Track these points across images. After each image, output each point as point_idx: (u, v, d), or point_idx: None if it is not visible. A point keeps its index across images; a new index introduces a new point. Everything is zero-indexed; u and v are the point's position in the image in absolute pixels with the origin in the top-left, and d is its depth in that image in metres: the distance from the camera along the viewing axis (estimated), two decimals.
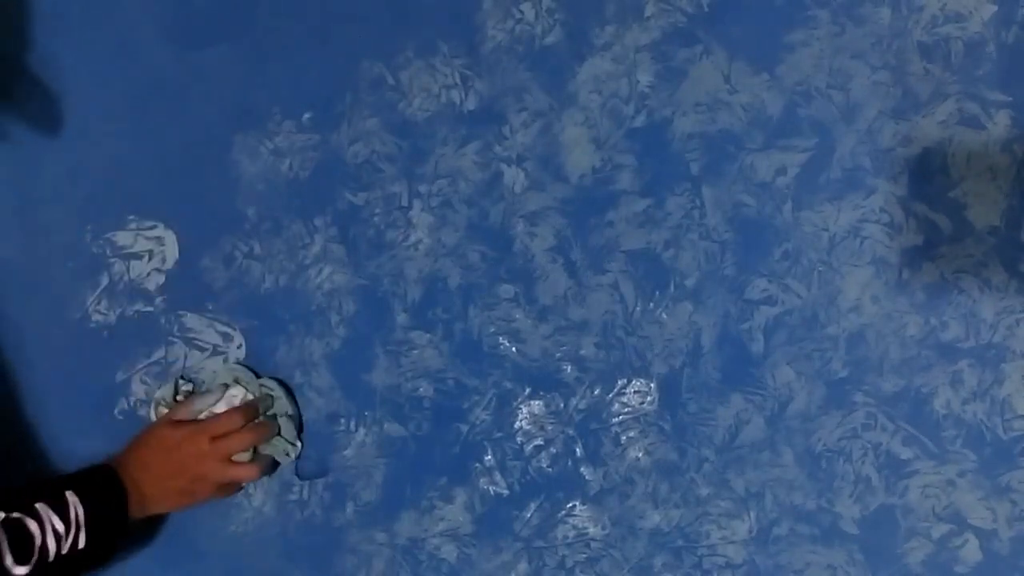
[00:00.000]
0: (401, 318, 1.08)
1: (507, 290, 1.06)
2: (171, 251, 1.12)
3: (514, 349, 1.06)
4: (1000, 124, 0.97)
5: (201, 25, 1.13)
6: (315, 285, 1.10)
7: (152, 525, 1.09)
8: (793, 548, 1.00)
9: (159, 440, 1.00)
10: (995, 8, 0.98)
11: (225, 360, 1.09)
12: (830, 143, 1.00)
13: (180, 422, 1.02)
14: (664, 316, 1.03)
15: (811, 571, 0.99)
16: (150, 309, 1.12)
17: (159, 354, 1.12)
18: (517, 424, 1.05)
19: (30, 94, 1.14)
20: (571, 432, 1.04)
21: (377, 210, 1.09)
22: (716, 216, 1.02)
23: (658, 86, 1.04)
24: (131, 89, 1.14)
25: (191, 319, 1.11)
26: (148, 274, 1.12)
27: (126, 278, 1.12)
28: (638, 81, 1.04)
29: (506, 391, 1.06)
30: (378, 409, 1.08)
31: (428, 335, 1.07)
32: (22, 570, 0.87)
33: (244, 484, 1.08)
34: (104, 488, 0.95)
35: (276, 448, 1.06)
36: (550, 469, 1.05)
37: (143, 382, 1.12)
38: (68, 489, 0.92)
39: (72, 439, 1.13)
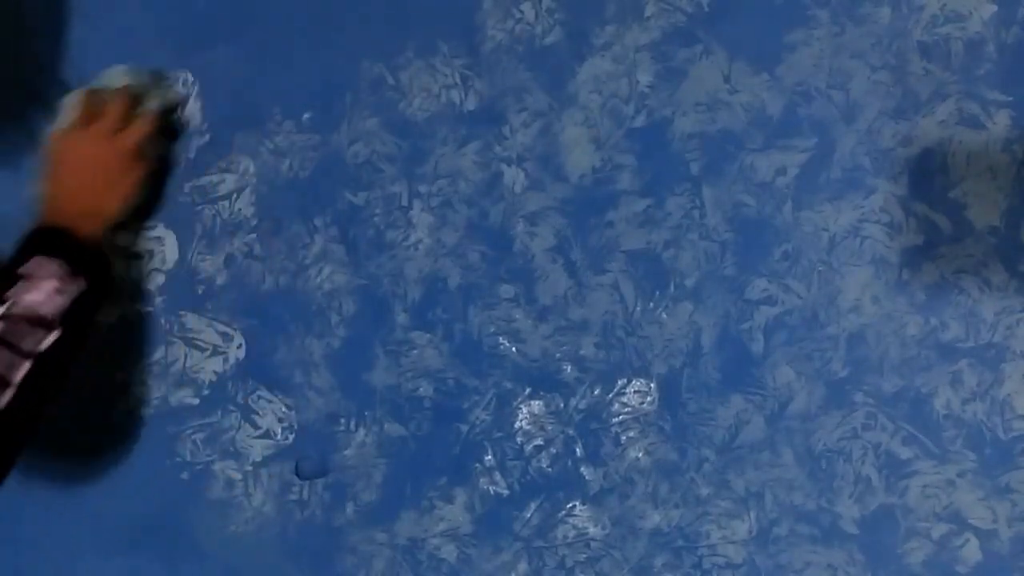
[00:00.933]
0: (401, 318, 1.08)
1: (507, 290, 1.06)
2: (171, 251, 1.12)
3: (514, 349, 1.06)
4: (1000, 124, 0.97)
5: (201, 25, 1.13)
6: (315, 285, 1.10)
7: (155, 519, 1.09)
8: (793, 548, 1.00)
9: (55, 164, 1.02)
10: (995, 8, 0.98)
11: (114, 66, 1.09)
12: (830, 143, 1.00)
13: (71, 134, 1.03)
14: (664, 316, 1.03)
15: (811, 571, 0.99)
16: (150, 309, 1.12)
17: (159, 354, 1.12)
18: (517, 424, 1.05)
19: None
20: (571, 432, 1.04)
21: (377, 210, 1.09)
22: (716, 216, 1.02)
23: (658, 86, 1.04)
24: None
25: (191, 319, 1.11)
26: (148, 274, 1.12)
27: (126, 278, 1.12)
28: (638, 81, 1.04)
29: (506, 391, 1.06)
30: (378, 409, 1.08)
31: (428, 335, 1.07)
32: (49, 338, 0.90)
33: (151, 144, 1.06)
34: (53, 238, 0.96)
35: (157, 99, 1.07)
36: (550, 469, 1.05)
37: (143, 382, 1.12)
38: (25, 258, 0.93)
39: (72, 438, 1.13)
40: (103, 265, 0.98)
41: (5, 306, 0.89)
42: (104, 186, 1.01)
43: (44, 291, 0.91)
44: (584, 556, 1.03)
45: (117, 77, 1.08)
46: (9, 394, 0.87)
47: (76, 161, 1.02)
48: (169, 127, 1.09)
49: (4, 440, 0.88)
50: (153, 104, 1.07)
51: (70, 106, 1.06)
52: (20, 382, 0.88)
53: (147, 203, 1.09)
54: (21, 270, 0.92)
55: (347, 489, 1.08)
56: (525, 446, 1.05)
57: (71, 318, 0.92)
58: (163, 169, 1.10)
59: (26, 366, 0.88)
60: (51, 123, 1.07)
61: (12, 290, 0.90)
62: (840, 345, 0.99)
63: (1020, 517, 0.96)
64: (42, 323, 0.90)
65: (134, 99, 1.06)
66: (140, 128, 1.04)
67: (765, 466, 1.01)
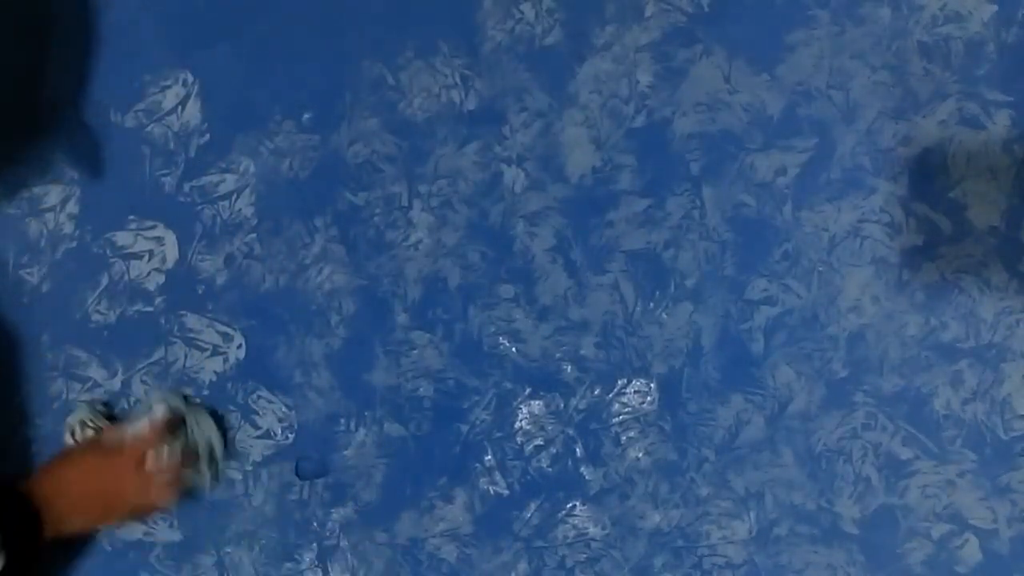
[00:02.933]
0: (401, 318, 1.08)
1: (507, 290, 1.06)
2: (171, 251, 1.12)
3: (514, 349, 1.06)
4: (1000, 124, 0.97)
5: (201, 25, 1.13)
6: (315, 285, 1.10)
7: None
8: (793, 548, 1.00)
9: (80, 463, 1.00)
10: (995, 8, 0.98)
11: (159, 388, 1.08)
12: (830, 143, 1.00)
13: (103, 446, 1.01)
14: (664, 316, 1.03)
15: (811, 571, 0.99)
16: (150, 309, 1.12)
17: (159, 354, 1.12)
18: (517, 424, 1.05)
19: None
20: (571, 432, 1.04)
21: (377, 210, 1.09)
22: (716, 216, 1.02)
23: (658, 86, 1.04)
24: (131, 88, 1.14)
25: (191, 319, 1.11)
26: (148, 274, 1.12)
27: (126, 278, 1.12)
28: (638, 81, 1.04)
29: (506, 391, 1.06)
30: (378, 409, 1.08)
31: (428, 335, 1.07)
32: None
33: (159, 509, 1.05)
34: (17, 514, 0.94)
35: (198, 475, 1.05)
36: (550, 469, 1.05)
37: (143, 382, 1.12)
38: None
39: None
40: (33, 558, 0.94)
41: None
42: (90, 509, 0.99)
43: None
44: (584, 556, 1.03)
45: (153, 400, 1.06)
46: None
47: (89, 474, 0.99)
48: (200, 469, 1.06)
49: None
50: (187, 474, 1.04)
51: (143, 413, 1.04)
52: None
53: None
54: None
55: (347, 489, 1.08)
56: (525, 446, 1.05)
57: None
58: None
59: None
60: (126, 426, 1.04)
61: None
62: (840, 345, 0.99)
63: (1020, 517, 0.96)
64: None
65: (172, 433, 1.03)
66: (168, 496, 1.01)
67: (765, 466, 1.01)
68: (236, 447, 1.08)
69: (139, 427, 1.02)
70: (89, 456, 1.01)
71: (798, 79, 1.01)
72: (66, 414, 1.12)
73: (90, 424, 1.06)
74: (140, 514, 1.05)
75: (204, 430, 1.06)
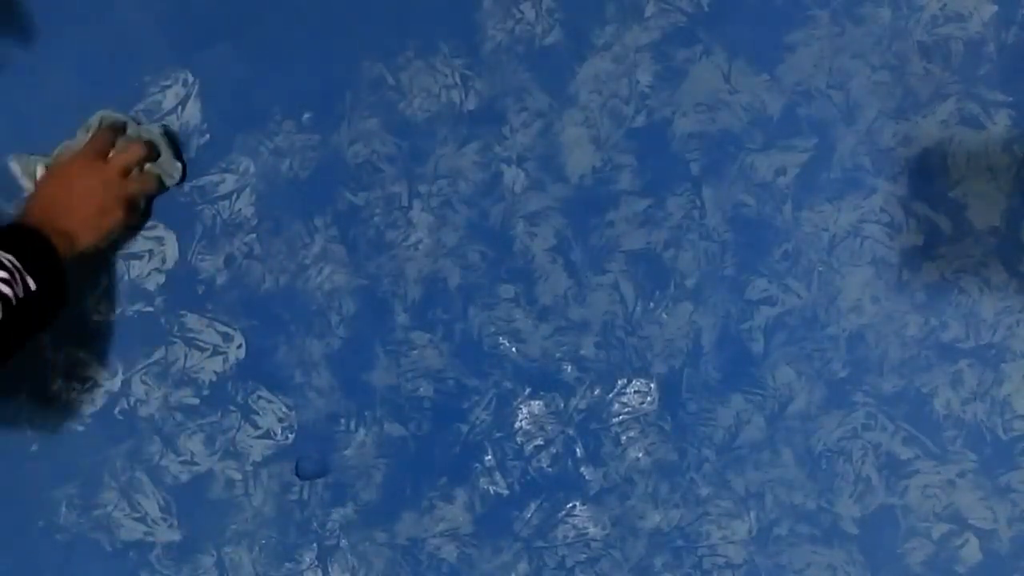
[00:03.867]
0: (401, 318, 1.08)
1: (507, 290, 1.06)
2: (171, 251, 1.12)
3: (514, 349, 1.06)
4: (1000, 124, 0.97)
5: (201, 25, 1.12)
6: (315, 285, 1.10)
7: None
8: (793, 548, 1.00)
9: (56, 178, 1.05)
10: (995, 8, 0.98)
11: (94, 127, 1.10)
12: (830, 143, 1.00)
13: (68, 159, 1.06)
14: (664, 316, 1.03)
15: (811, 571, 0.99)
16: (150, 309, 1.12)
17: (159, 354, 1.12)
18: (517, 424, 1.05)
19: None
20: (571, 432, 1.04)
21: (377, 210, 1.09)
22: (716, 216, 1.02)
23: (658, 86, 1.04)
24: (131, 88, 1.14)
25: (191, 319, 1.11)
26: (148, 274, 1.12)
27: (126, 278, 1.12)
28: (638, 81, 1.04)
29: (506, 391, 1.06)
30: (378, 409, 1.08)
31: (428, 335, 1.07)
32: None
33: (144, 200, 1.10)
34: (22, 237, 0.97)
35: (162, 167, 1.09)
36: (550, 469, 1.05)
37: (143, 382, 1.12)
38: None
39: (72, 439, 1.13)
40: (59, 279, 0.98)
41: None
42: (88, 215, 1.03)
43: None
44: (584, 556, 1.03)
45: (117, 118, 1.10)
46: None
47: (71, 183, 1.04)
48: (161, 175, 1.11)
49: None
50: (154, 167, 1.10)
51: (83, 131, 1.09)
52: None
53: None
54: None
55: (347, 489, 1.08)
56: (525, 446, 1.05)
57: (10, 310, 0.91)
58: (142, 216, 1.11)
59: None
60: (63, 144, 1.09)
61: None
62: (840, 345, 0.99)
63: (1020, 517, 0.96)
64: None
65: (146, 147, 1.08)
66: (145, 182, 1.08)
67: (765, 466, 1.01)
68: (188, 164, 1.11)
69: (89, 133, 1.09)
70: (58, 172, 1.06)
71: (798, 79, 1.01)
72: (66, 414, 1.13)
73: (36, 163, 1.09)
74: (132, 214, 1.08)
75: (148, 129, 1.10)
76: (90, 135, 1.08)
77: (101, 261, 1.12)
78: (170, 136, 1.10)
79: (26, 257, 0.94)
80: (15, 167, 1.10)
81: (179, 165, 1.10)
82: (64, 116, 1.11)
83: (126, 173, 1.06)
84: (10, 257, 0.93)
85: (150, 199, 1.11)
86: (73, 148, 1.08)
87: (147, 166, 1.09)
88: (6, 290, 0.90)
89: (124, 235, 1.11)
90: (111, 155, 1.07)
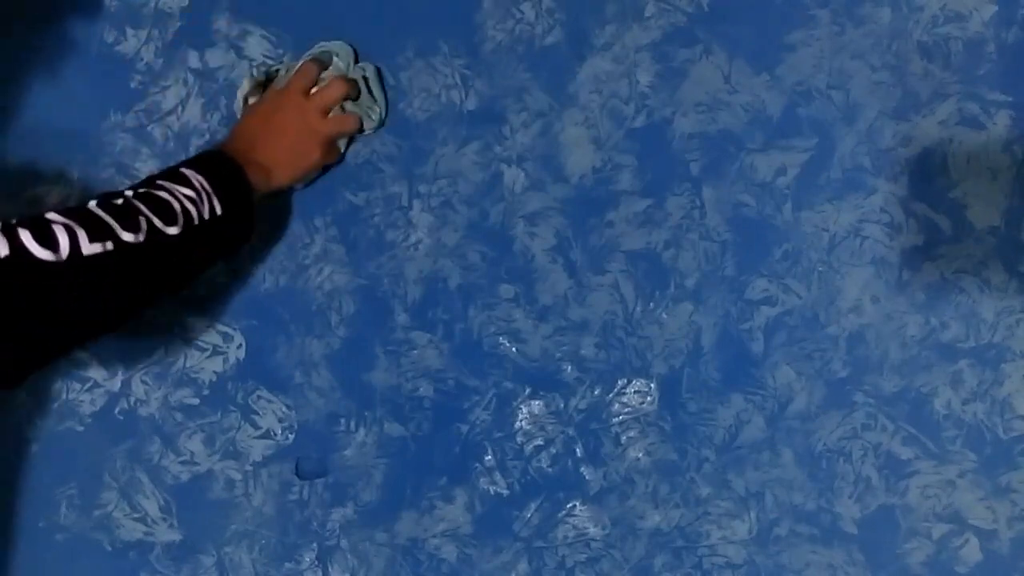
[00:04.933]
0: (401, 318, 1.08)
1: (507, 290, 1.06)
2: None
3: (514, 349, 1.06)
4: (1000, 124, 0.97)
5: (201, 24, 1.12)
6: (315, 285, 1.10)
7: None
8: (793, 548, 1.00)
9: (256, 112, 1.04)
10: (995, 8, 0.98)
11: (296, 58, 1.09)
12: (830, 143, 1.00)
13: (268, 94, 1.05)
14: (664, 316, 1.03)
15: (811, 571, 0.99)
16: (150, 309, 1.12)
17: (159, 354, 1.12)
18: (517, 424, 1.05)
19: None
20: (571, 432, 1.04)
21: (377, 210, 1.09)
22: (716, 216, 1.02)
23: (658, 86, 1.04)
24: (130, 87, 1.14)
25: (191, 319, 1.11)
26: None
27: None
28: (638, 81, 1.04)
29: (506, 391, 1.06)
30: (378, 409, 1.08)
31: (428, 335, 1.07)
32: (174, 230, 0.88)
33: (346, 140, 1.08)
34: (216, 162, 0.96)
35: (362, 106, 1.06)
36: (550, 469, 1.05)
37: (143, 382, 1.12)
38: (180, 167, 0.93)
39: (72, 439, 1.13)
40: (248, 210, 0.97)
41: (146, 188, 0.90)
42: (285, 151, 1.02)
43: (180, 194, 0.90)
44: (584, 556, 1.03)
45: (338, 51, 1.07)
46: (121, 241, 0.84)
47: (271, 117, 1.02)
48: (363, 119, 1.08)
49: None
50: (355, 106, 1.07)
51: (293, 68, 1.07)
52: (123, 241, 0.84)
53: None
54: (169, 173, 0.93)
55: (347, 489, 1.08)
56: (525, 446, 1.05)
57: (192, 229, 0.90)
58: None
59: (137, 237, 0.85)
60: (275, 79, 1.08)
61: (160, 180, 0.91)
62: (840, 345, 0.99)
63: (1020, 517, 0.96)
64: (167, 213, 0.88)
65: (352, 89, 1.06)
66: (344, 123, 1.05)
67: (765, 466, 1.01)
68: (386, 92, 1.08)
69: (294, 67, 1.06)
70: (261, 105, 1.04)
71: (798, 79, 1.01)
72: (66, 414, 1.13)
73: (259, 83, 1.07)
74: (331, 154, 1.06)
75: (361, 66, 1.07)
76: (298, 63, 1.06)
77: None
78: (375, 77, 1.07)
79: (218, 182, 0.93)
80: (246, 83, 1.07)
81: (379, 108, 1.07)
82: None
83: (326, 111, 1.04)
84: (201, 179, 0.92)
85: (350, 140, 1.08)
86: (285, 75, 1.06)
87: (348, 105, 1.05)
88: (191, 208, 0.90)
89: (320, 174, 1.09)
90: (313, 91, 1.04)
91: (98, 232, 0.83)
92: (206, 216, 0.91)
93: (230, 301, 1.11)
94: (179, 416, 1.11)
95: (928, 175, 0.98)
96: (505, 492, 1.05)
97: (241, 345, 1.11)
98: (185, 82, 1.12)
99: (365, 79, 1.06)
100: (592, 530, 1.03)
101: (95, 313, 0.85)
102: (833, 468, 0.99)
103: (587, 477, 1.04)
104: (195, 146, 1.12)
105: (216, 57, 1.12)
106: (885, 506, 0.98)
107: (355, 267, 1.09)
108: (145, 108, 1.13)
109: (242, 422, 1.10)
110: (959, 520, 0.97)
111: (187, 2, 1.13)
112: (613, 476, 1.03)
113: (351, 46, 1.08)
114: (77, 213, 0.84)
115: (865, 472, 0.99)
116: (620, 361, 1.03)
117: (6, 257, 0.78)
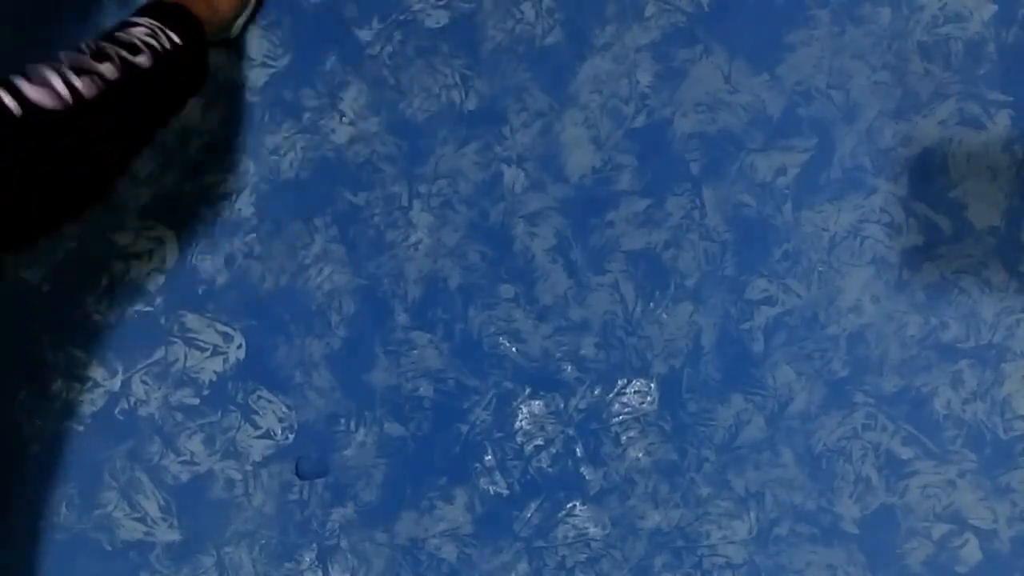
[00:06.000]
0: (401, 318, 1.08)
1: (507, 290, 1.06)
2: (171, 251, 1.12)
3: (514, 349, 1.06)
4: (1000, 124, 0.97)
5: None
6: (315, 285, 1.10)
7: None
8: (793, 548, 1.00)
9: None
10: (995, 8, 0.98)
11: None
12: (830, 143, 1.00)
13: None
14: (664, 316, 1.03)
15: (811, 571, 0.99)
16: (150, 309, 1.12)
17: (159, 354, 1.12)
18: (517, 424, 1.05)
19: None
20: (571, 432, 1.04)
21: (377, 210, 1.09)
22: (716, 216, 1.02)
23: (658, 86, 1.04)
24: None
25: (191, 319, 1.11)
26: (148, 274, 1.12)
27: (126, 278, 1.12)
28: (638, 81, 1.04)
29: (506, 391, 1.06)
30: (378, 409, 1.08)
31: (428, 335, 1.07)
32: (143, 58, 0.90)
33: None
34: (156, 5, 0.97)
35: None
36: (550, 469, 1.05)
37: (143, 382, 1.12)
38: (127, 18, 0.94)
39: (72, 439, 1.13)
40: (199, 36, 0.98)
41: (103, 37, 0.91)
42: None
43: (136, 34, 0.92)
44: (584, 556, 1.03)
45: None
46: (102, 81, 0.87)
47: None
48: None
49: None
50: None
51: None
52: (107, 79, 0.87)
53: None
54: (116, 25, 0.94)
55: (347, 489, 1.08)
56: (525, 446, 1.05)
57: (159, 57, 0.92)
58: None
59: (114, 70, 0.88)
60: None
61: (113, 31, 0.92)
62: (840, 345, 0.99)
63: (1020, 517, 0.96)
64: (132, 49, 0.90)
65: None
66: None
67: (765, 466, 1.01)
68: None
69: None
70: None
71: (798, 79, 1.01)
72: (66, 414, 1.13)
73: None
74: None
75: None
76: None
77: (101, 261, 1.12)
78: None
79: (165, 19, 0.95)
80: None
81: None
82: None
83: None
84: (148, 19, 0.94)
85: None
86: None
87: None
88: (151, 40, 0.92)
89: (250, 15, 1.09)
90: None
91: (82, 69, 0.86)
92: (168, 46, 0.93)
93: (230, 301, 1.11)
94: (179, 416, 1.11)
95: (928, 175, 0.98)
96: (505, 492, 1.05)
97: (241, 345, 1.11)
98: None
99: None
100: (592, 530, 1.03)
101: (104, 154, 0.88)
102: (833, 468, 0.99)
103: (587, 477, 1.04)
104: (195, 146, 1.12)
105: (216, 57, 1.12)
106: (885, 506, 0.98)
107: (355, 267, 1.09)
108: None
109: (242, 422, 1.10)
110: (959, 520, 0.97)
111: None
112: (613, 476, 1.03)
113: None
114: (54, 59, 0.86)
115: (865, 472, 0.99)
116: (620, 361, 1.03)
117: (21, 116, 0.81)
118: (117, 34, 0.92)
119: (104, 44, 0.90)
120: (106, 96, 0.87)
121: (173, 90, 0.96)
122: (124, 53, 0.89)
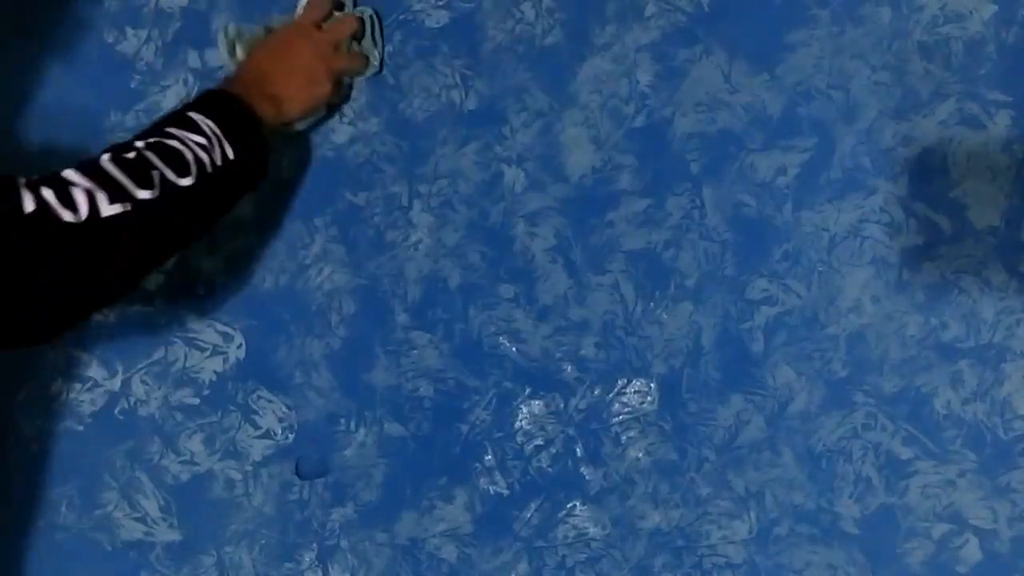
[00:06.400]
0: (401, 318, 1.08)
1: (507, 290, 1.06)
2: None
3: (514, 349, 1.06)
4: (1000, 124, 0.97)
5: (201, 24, 1.12)
6: (315, 285, 1.10)
7: None
8: (793, 548, 1.00)
9: (269, 44, 1.04)
10: (995, 8, 0.97)
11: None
12: (830, 143, 1.00)
13: (279, 30, 1.05)
14: (664, 316, 1.03)
15: (811, 571, 0.99)
16: (150, 309, 1.12)
17: (159, 354, 1.12)
18: (517, 424, 1.05)
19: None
20: (571, 432, 1.04)
21: (377, 210, 1.09)
22: (716, 216, 1.02)
23: (658, 86, 1.04)
24: (130, 87, 1.14)
25: (191, 319, 1.11)
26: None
27: None
28: (638, 81, 1.04)
29: (506, 391, 1.06)
30: (378, 409, 1.08)
31: (428, 335, 1.07)
32: (187, 180, 0.88)
33: (350, 81, 1.09)
34: (224, 103, 0.96)
35: (366, 48, 1.07)
36: (550, 469, 1.05)
37: (143, 382, 1.12)
38: (188, 112, 0.93)
39: (72, 439, 1.13)
40: (261, 149, 0.97)
41: (156, 137, 0.90)
42: (298, 82, 1.02)
43: (191, 142, 0.90)
44: (584, 556, 1.03)
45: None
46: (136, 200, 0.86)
47: (283, 48, 1.03)
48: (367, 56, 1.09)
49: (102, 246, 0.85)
50: (360, 46, 1.08)
51: (304, 4, 1.07)
52: (140, 200, 0.86)
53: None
54: (177, 119, 0.92)
55: (347, 489, 1.08)
56: (525, 446, 1.05)
57: (206, 176, 0.90)
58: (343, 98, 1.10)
59: (153, 193, 0.86)
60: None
61: (169, 128, 0.91)
62: (840, 345, 0.99)
63: (1020, 517, 0.96)
64: (179, 164, 0.88)
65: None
66: (354, 59, 1.06)
67: (765, 466, 1.01)
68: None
69: (303, 4, 1.07)
70: (270, 41, 1.04)
71: (798, 79, 1.01)
72: (66, 414, 1.13)
73: (246, 35, 1.07)
74: (337, 91, 1.07)
75: (362, 8, 1.08)
76: (307, 4, 1.06)
77: None
78: (377, 21, 1.08)
79: (227, 125, 0.93)
80: (222, 37, 1.06)
81: (379, 52, 1.07)
82: None
83: (338, 46, 1.05)
84: (210, 123, 0.92)
85: (352, 80, 1.09)
86: (288, 20, 1.07)
87: (354, 45, 1.07)
88: (203, 156, 0.90)
89: (325, 116, 1.09)
90: (324, 26, 1.05)
91: (115, 194, 0.84)
92: (219, 162, 0.91)
93: (230, 301, 1.11)
94: (179, 416, 1.11)
95: (928, 175, 0.98)
96: (505, 492, 1.05)
97: (241, 345, 1.11)
98: (185, 82, 1.12)
99: (373, 20, 1.07)
100: (592, 530, 1.03)
101: (117, 270, 0.87)
102: (833, 468, 0.99)
103: (587, 477, 1.04)
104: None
105: (216, 57, 1.12)
106: (885, 506, 0.98)
107: (355, 267, 1.09)
108: (145, 108, 1.13)
109: (242, 422, 1.10)
110: (959, 520, 0.97)
111: (187, 2, 1.13)
112: (613, 476, 1.03)
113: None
114: (93, 173, 0.85)
115: (865, 472, 0.99)
116: (620, 361, 1.03)
117: (32, 213, 0.80)
118: (168, 142, 0.88)
119: (151, 158, 0.87)
120: (132, 216, 0.84)
121: (216, 205, 0.94)
122: (169, 175, 0.87)
